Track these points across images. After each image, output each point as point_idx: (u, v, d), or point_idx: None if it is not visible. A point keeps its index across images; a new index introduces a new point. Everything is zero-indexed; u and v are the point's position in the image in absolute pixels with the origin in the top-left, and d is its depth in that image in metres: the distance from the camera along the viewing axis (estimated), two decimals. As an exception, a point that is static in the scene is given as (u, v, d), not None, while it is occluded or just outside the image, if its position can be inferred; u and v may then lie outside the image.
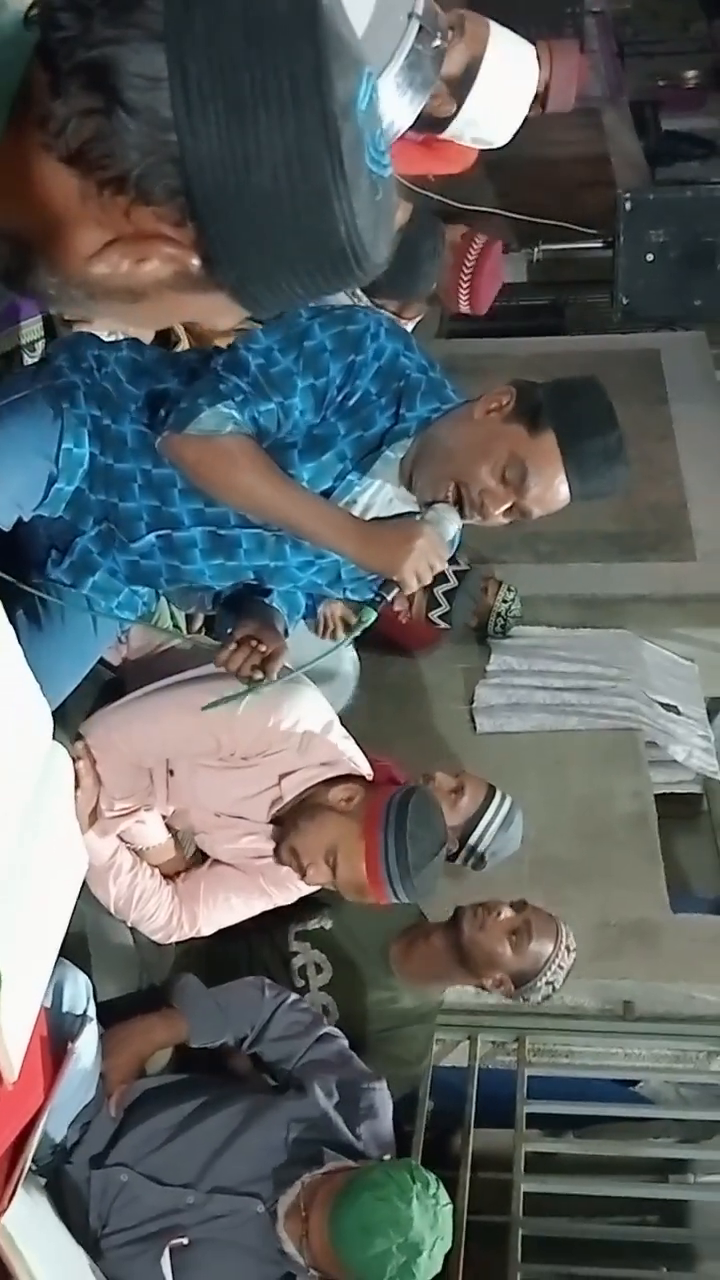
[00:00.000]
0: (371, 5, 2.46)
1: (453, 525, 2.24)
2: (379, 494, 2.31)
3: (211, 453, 2.14)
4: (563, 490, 2.23)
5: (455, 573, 3.94)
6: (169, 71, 0.90)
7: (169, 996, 2.78)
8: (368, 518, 2.29)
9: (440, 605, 4.01)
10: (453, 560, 3.13)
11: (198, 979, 2.82)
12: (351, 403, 2.22)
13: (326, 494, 2.25)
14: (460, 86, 3.11)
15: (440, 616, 4.04)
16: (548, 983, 2.94)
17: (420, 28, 2.52)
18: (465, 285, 3.44)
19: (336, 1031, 2.81)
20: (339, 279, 1.01)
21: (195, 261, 0.97)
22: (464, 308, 3.56)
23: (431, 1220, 2.33)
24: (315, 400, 2.20)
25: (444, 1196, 2.41)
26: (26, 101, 0.96)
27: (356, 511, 2.28)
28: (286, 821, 2.63)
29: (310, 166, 0.93)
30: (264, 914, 2.94)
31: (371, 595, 2.25)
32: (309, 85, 0.91)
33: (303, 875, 2.61)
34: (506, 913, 2.94)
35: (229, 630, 2.42)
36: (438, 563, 2.20)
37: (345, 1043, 2.81)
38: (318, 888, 2.79)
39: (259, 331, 2.25)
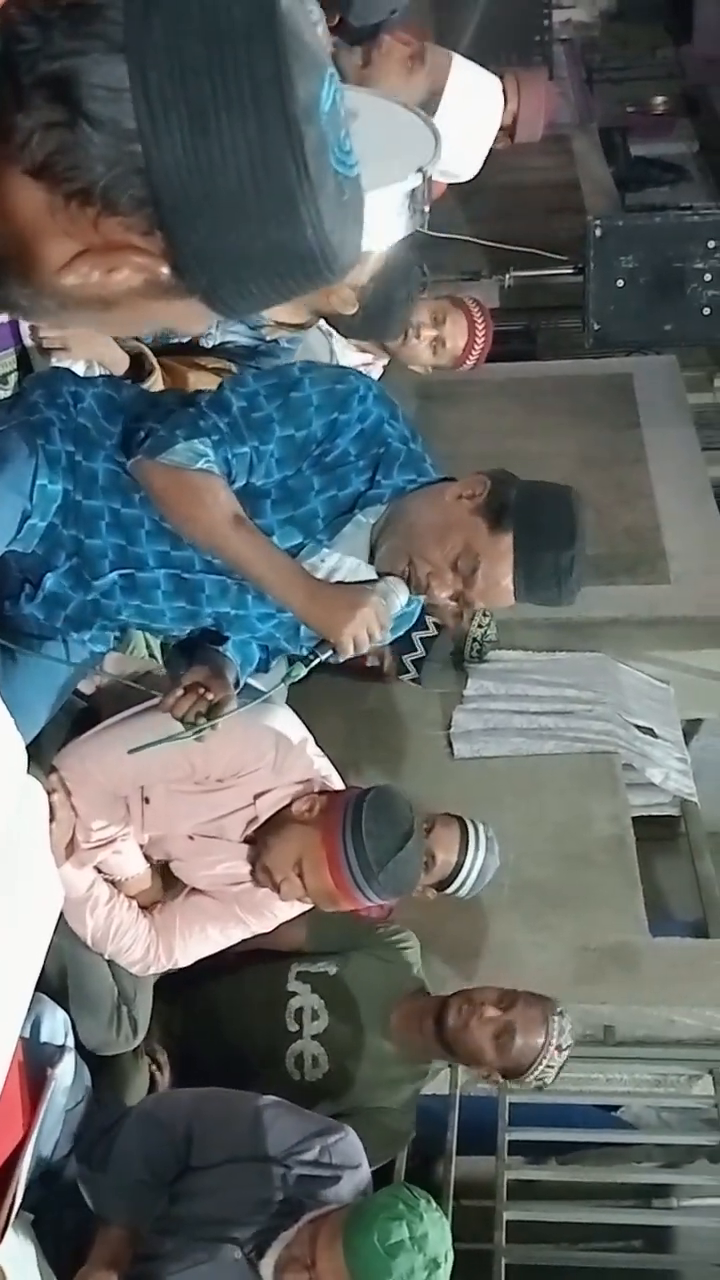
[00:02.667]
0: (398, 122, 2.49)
1: (400, 599, 2.28)
2: (344, 562, 2.33)
3: (179, 484, 2.16)
4: (509, 593, 2.27)
5: (423, 640, 4.03)
6: (130, 81, 0.90)
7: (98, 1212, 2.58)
8: (332, 580, 2.31)
9: (409, 670, 4.08)
10: (420, 624, 3.19)
11: (90, 1175, 2.59)
12: (329, 459, 2.24)
13: (295, 551, 2.26)
14: (424, 107, 3.12)
15: (411, 680, 4.13)
16: (536, 1079, 2.88)
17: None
18: (477, 351, 3.54)
19: (274, 1099, 2.71)
20: (309, 281, 1.01)
21: (165, 270, 0.97)
22: (468, 366, 3.64)
23: (441, 1232, 2.35)
24: (292, 451, 2.22)
25: (439, 1210, 2.42)
26: None
27: (321, 573, 2.30)
28: (258, 841, 2.64)
29: (274, 170, 0.92)
30: (263, 951, 2.93)
31: (308, 653, 2.28)
32: (269, 88, 0.91)
33: (278, 891, 2.61)
34: (490, 1011, 2.89)
35: (178, 675, 2.43)
36: (378, 633, 2.23)
37: (285, 1104, 2.71)
38: (294, 914, 2.79)
39: (248, 375, 2.27)
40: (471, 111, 3.20)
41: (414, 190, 2.39)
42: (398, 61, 3.13)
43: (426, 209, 2.46)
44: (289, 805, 2.64)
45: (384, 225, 2.40)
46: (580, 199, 6.42)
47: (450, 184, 3.61)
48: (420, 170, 2.36)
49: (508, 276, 5.31)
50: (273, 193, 0.93)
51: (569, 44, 7.76)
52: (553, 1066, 2.88)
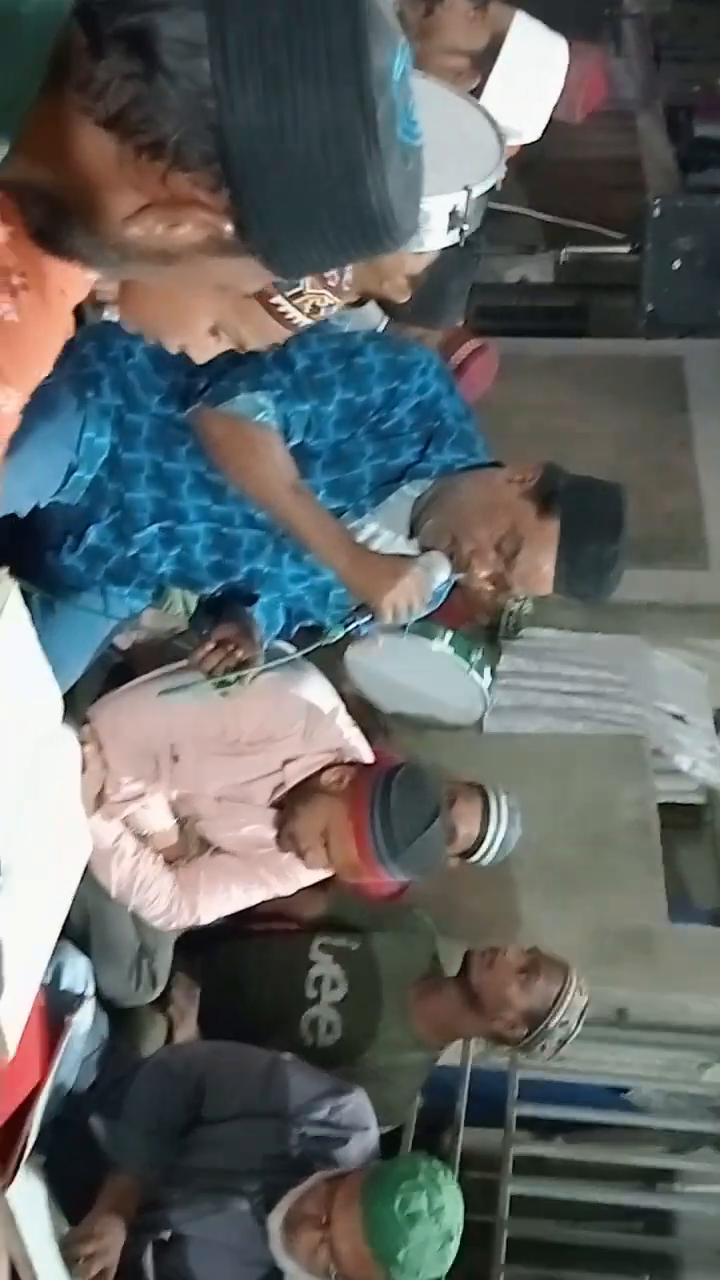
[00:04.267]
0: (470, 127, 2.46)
1: (441, 574, 2.28)
2: (381, 533, 2.34)
3: (236, 434, 2.17)
4: (549, 580, 2.29)
5: None
6: (209, 39, 0.91)
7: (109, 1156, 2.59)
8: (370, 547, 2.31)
9: None
10: None
11: (102, 1125, 2.60)
12: (384, 428, 2.27)
13: (338, 514, 2.27)
14: (484, 59, 3.10)
15: None
16: (560, 1023, 2.91)
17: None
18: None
19: (288, 1055, 2.74)
20: (368, 248, 1.02)
21: (228, 227, 0.98)
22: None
23: (457, 1206, 2.38)
24: (350, 415, 2.24)
25: (457, 1185, 2.45)
26: (64, 64, 0.95)
27: (360, 539, 2.30)
28: (285, 807, 2.65)
29: (345, 138, 0.93)
30: (287, 920, 2.94)
31: (345, 617, 2.28)
32: (346, 57, 0.92)
33: (302, 858, 2.63)
34: (513, 953, 2.94)
35: (206, 631, 2.44)
36: (418, 604, 2.24)
37: (298, 1061, 2.74)
38: (317, 878, 2.80)
39: (313, 336, 2.28)
40: (535, 58, 3.17)
41: (454, 209, 2.38)
42: (460, 12, 3.12)
43: (466, 227, 2.45)
44: (318, 774, 2.64)
45: (427, 234, 2.39)
46: (641, 177, 6.33)
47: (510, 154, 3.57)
48: (466, 188, 2.35)
49: (563, 252, 5.27)
50: (341, 159, 0.94)
51: (638, 20, 7.64)
52: (575, 1008, 2.91)
